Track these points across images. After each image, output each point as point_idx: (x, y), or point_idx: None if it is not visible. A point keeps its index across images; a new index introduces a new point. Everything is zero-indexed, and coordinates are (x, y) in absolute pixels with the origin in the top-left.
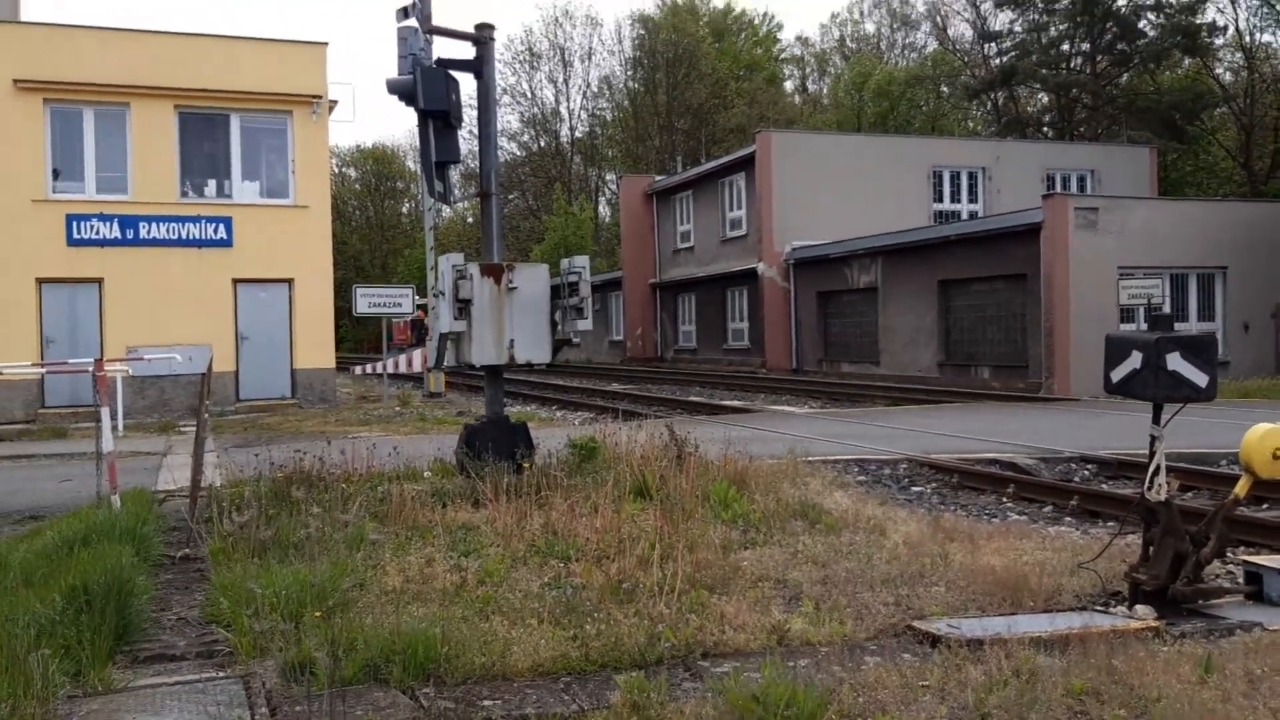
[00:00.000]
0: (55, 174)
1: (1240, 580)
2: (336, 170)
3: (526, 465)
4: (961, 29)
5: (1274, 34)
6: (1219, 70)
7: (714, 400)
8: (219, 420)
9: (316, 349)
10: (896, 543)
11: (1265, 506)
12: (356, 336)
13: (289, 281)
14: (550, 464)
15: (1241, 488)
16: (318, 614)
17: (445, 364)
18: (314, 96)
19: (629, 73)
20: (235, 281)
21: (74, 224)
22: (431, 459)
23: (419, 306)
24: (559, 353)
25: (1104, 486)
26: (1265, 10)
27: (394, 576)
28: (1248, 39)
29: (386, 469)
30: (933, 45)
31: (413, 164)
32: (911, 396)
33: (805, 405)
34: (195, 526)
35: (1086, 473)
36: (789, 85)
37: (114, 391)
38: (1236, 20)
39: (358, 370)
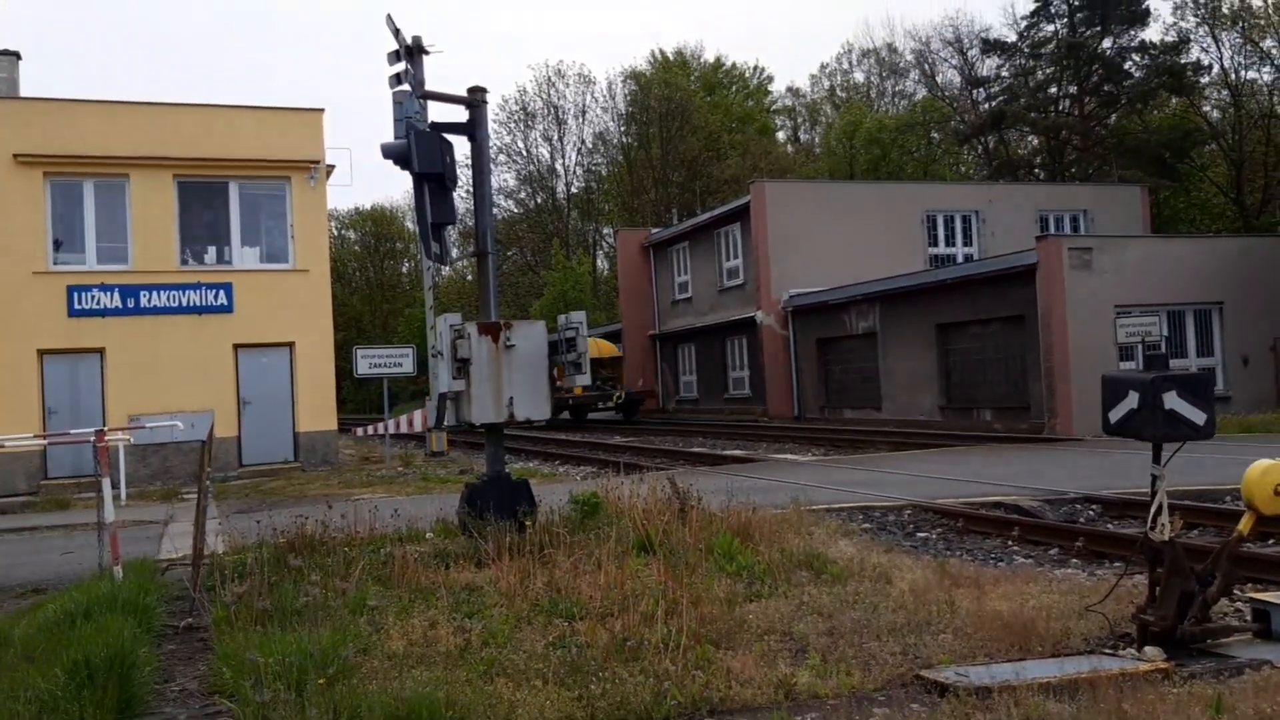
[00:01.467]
0: (56, 245)
1: (1248, 618)
2: (335, 233)
3: (529, 523)
4: (949, 75)
5: (1258, 71)
6: (1206, 108)
7: (716, 450)
8: (222, 486)
9: (318, 411)
10: (902, 590)
11: (1271, 542)
12: (358, 398)
13: (290, 345)
14: (553, 521)
15: (1245, 525)
16: (321, 682)
17: (445, 423)
18: (311, 162)
19: (623, 128)
20: (236, 347)
21: (75, 295)
22: (434, 519)
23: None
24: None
25: (1109, 527)
26: (1248, 48)
27: (397, 640)
28: (1233, 76)
29: (389, 531)
30: (922, 92)
31: (411, 224)
32: (914, 441)
33: (808, 453)
34: (198, 595)
35: (1091, 513)
36: (781, 135)
37: (116, 460)
38: (1221, 59)
39: (360, 432)
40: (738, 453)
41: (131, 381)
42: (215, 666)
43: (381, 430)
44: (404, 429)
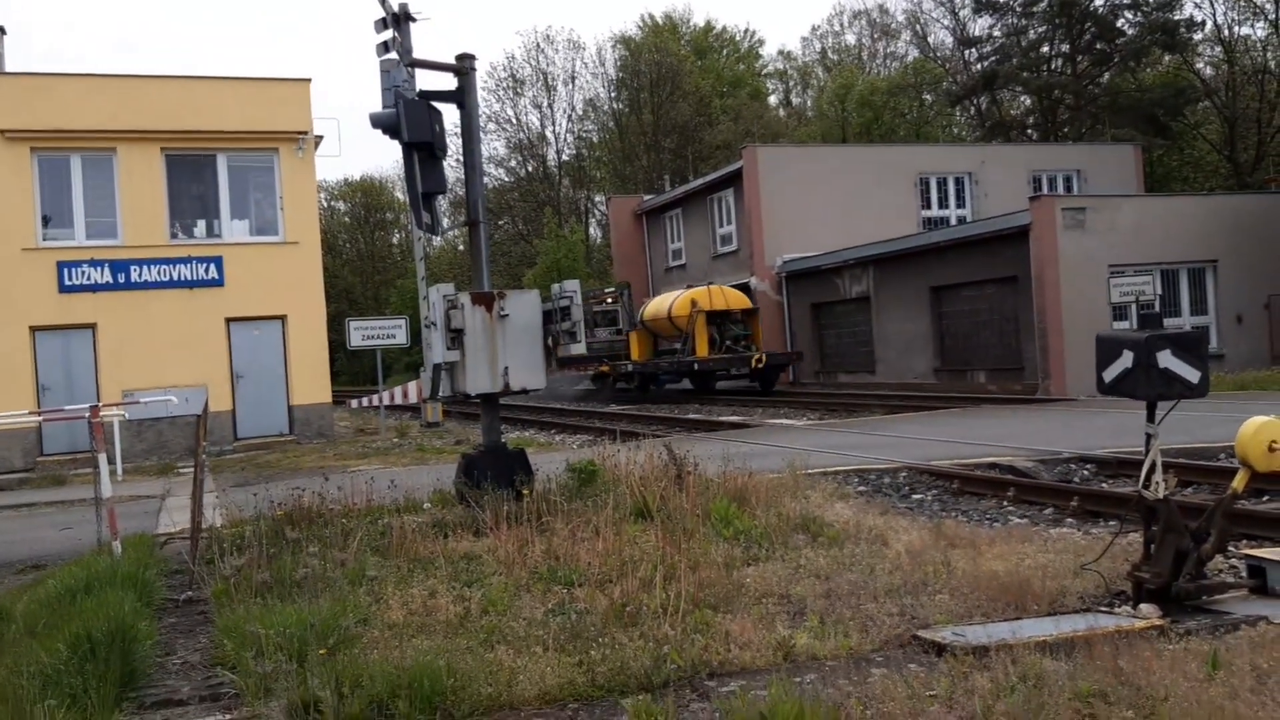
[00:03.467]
0: (45, 221)
1: (1244, 574)
2: (325, 204)
3: (526, 492)
4: (941, 36)
5: (1252, 27)
6: (1199, 65)
7: (712, 417)
8: (217, 460)
9: (312, 384)
10: (899, 552)
11: (1266, 499)
12: (352, 370)
13: (282, 318)
14: (550, 489)
15: (1239, 482)
16: (322, 652)
17: (440, 394)
18: (299, 133)
19: (613, 94)
20: (228, 320)
21: (65, 270)
22: (431, 490)
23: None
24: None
25: (1104, 486)
26: (1242, 3)
27: (397, 610)
28: (1226, 33)
29: (386, 502)
30: (913, 54)
31: (401, 194)
32: (909, 404)
33: (803, 417)
34: (197, 569)
35: (1086, 473)
36: (773, 99)
37: (111, 436)
38: (1215, 14)
39: (354, 404)
40: (733, 418)
41: (124, 357)
42: (216, 639)
43: (376, 402)
44: (399, 400)
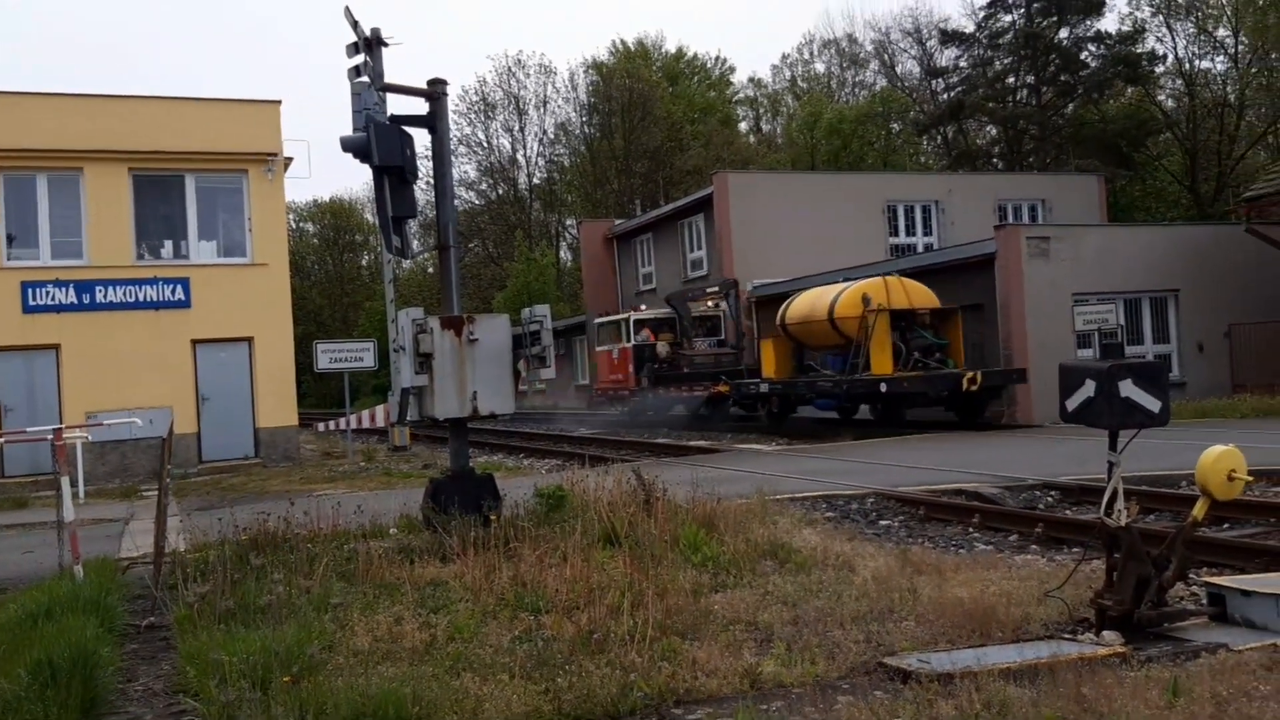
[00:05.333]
0: (9, 241)
1: (1204, 602)
2: (294, 226)
3: (494, 517)
4: (909, 66)
5: (1212, 61)
6: (1161, 97)
7: (681, 441)
8: (182, 483)
9: (279, 407)
10: (866, 578)
11: (1226, 526)
12: (319, 392)
13: (249, 340)
14: (518, 515)
15: (1199, 510)
16: (286, 679)
17: (408, 418)
18: (269, 154)
19: (585, 119)
20: (194, 342)
21: (29, 291)
22: (398, 515)
23: (640, 322)
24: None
25: (1068, 513)
26: (1202, 38)
27: (362, 637)
28: (1187, 66)
29: (352, 527)
30: (882, 83)
31: (371, 217)
32: (877, 429)
33: (772, 442)
34: (160, 594)
35: (1050, 499)
36: (743, 126)
37: (74, 458)
38: (1176, 48)
39: (321, 427)
40: (703, 443)
41: (88, 378)
42: (179, 665)
43: (343, 425)
44: (366, 424)
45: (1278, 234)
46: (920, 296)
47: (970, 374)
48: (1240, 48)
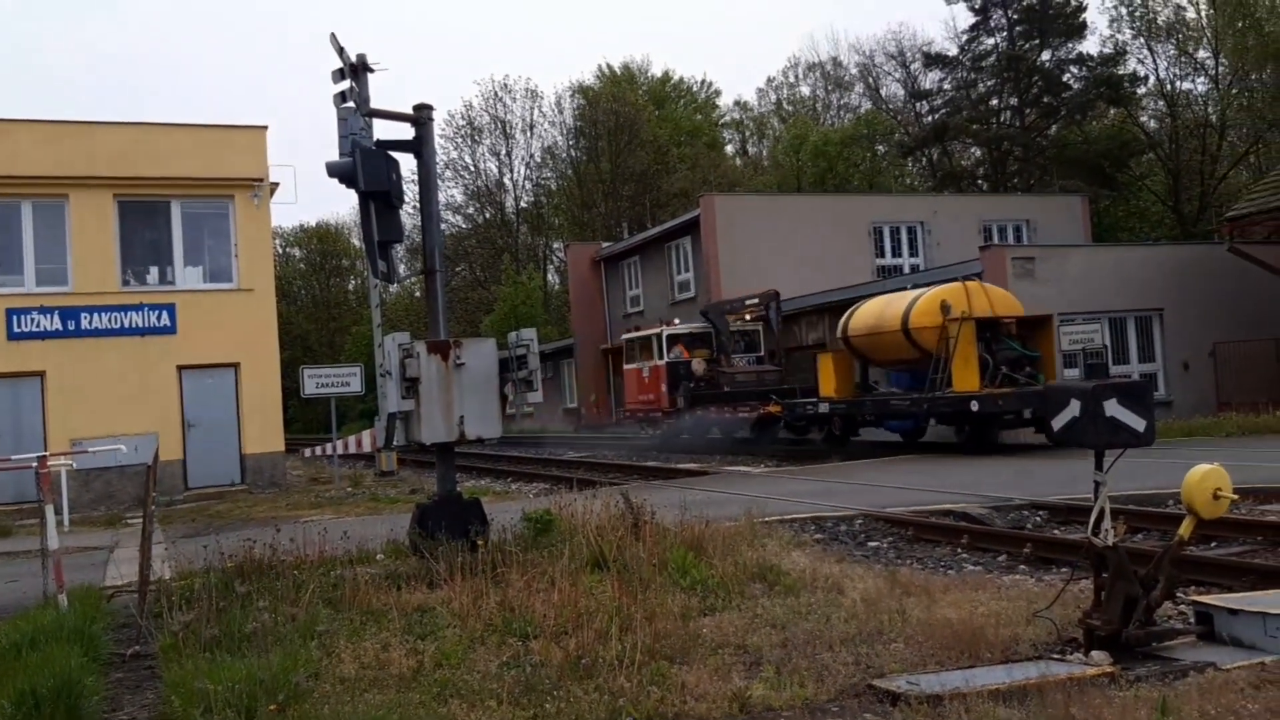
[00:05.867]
0: None
1: (1192, 621)
2: (280, 251)
3: (481, 542)
4: (893, 89)
5: (1193, 82)
6: (1143, 118)
7: (670, 464)
8: (167, 510)
9: (265, 433)
10: (855, 600)
11: (1213, 545)
12: (306, 417)
13: (235, 366)
14: (506, 539)
15: (1186, 529)
16: (271, 708)
17: (395, 443)
18: (255, 180)
19: (571, 142)
20: (180, 368)
21: (14, 318)
22: (385, 540)
23: (674, 338)
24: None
25: (1056, 533)
26: (1183, 59)
27: (349, 664)
28: (1168, 87)
29: (339, 553)
30: (866, 105)
31: (357, 241)
32: (865, 450)
33: (761, 464)
34: (144, 623)
35: (1038, 519)
36: (729, 149)
37: (58, 486)
38: (1157, 70)
39: (307, 452)
40: (691, 466)
41: (73, 405)
42: (164, 694)
43: (330, 451)
44: (353, 449)
45: (1260, 253)
46: (1004, 303)
47: None
48: (1221, 69)
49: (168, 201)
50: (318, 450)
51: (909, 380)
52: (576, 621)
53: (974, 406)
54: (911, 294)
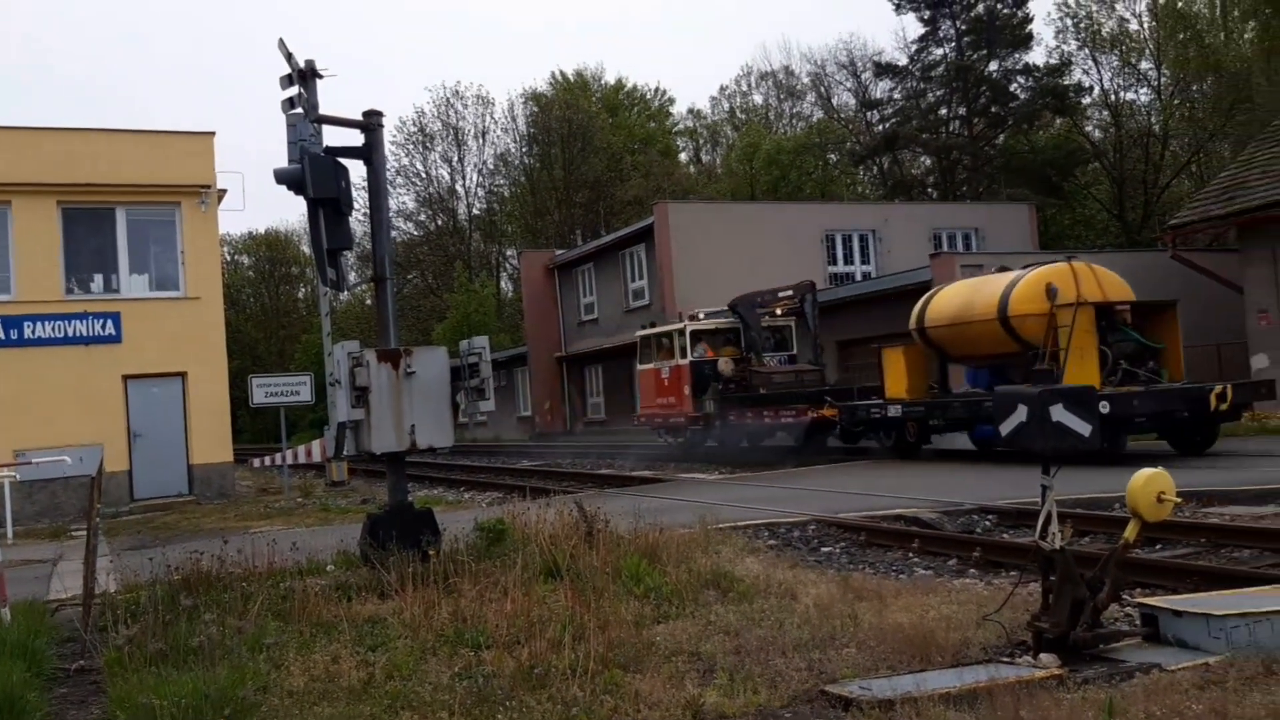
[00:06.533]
0: None
1: (1137, 622)
2: (228, 258)
3: (433, 552)
4: (845, 98)
5: (1136, 92)
6: (1088, 128)
7: (624, 472)
8: (113, 522)
9: (213, 443)
10: (807, 606)
11: (1159, 547)
12: (255, 427)
13: (182, 375)
14: (458, 549)
15: (1131, 532)
16: None
17: (345, 453)
18: (202, 186)
19: (524, 149)
20: (126, 378)
21: None
22: (335, 551)
23: (698, 334)
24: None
25: (1005, 537)
26: (1127, 70)
27: (298, 677)
28: (1113, 97)
29: (288, 565)
30: (818, 114)
31: (307, 248)
32: (818, 456)
33: (715, 471)
34: (89, 637)
35: (988, 523)
36: (683, 157)
37: (2, 498)
38: (1101, 80)
39: (256, 462)
40: (646, 473)
41: (16, 416)
42: (109, 710)
43: (279, 460)
44: (303, 459)
45: (1202, 260)
46: (1115, 287)
47: (1219, 388)
48: (1163, 80)
49: (113, 208)
50: (267, 460)
51: (988, 379)
52: (529, 631)
53: (1104, 408)
54: (1006, 277)
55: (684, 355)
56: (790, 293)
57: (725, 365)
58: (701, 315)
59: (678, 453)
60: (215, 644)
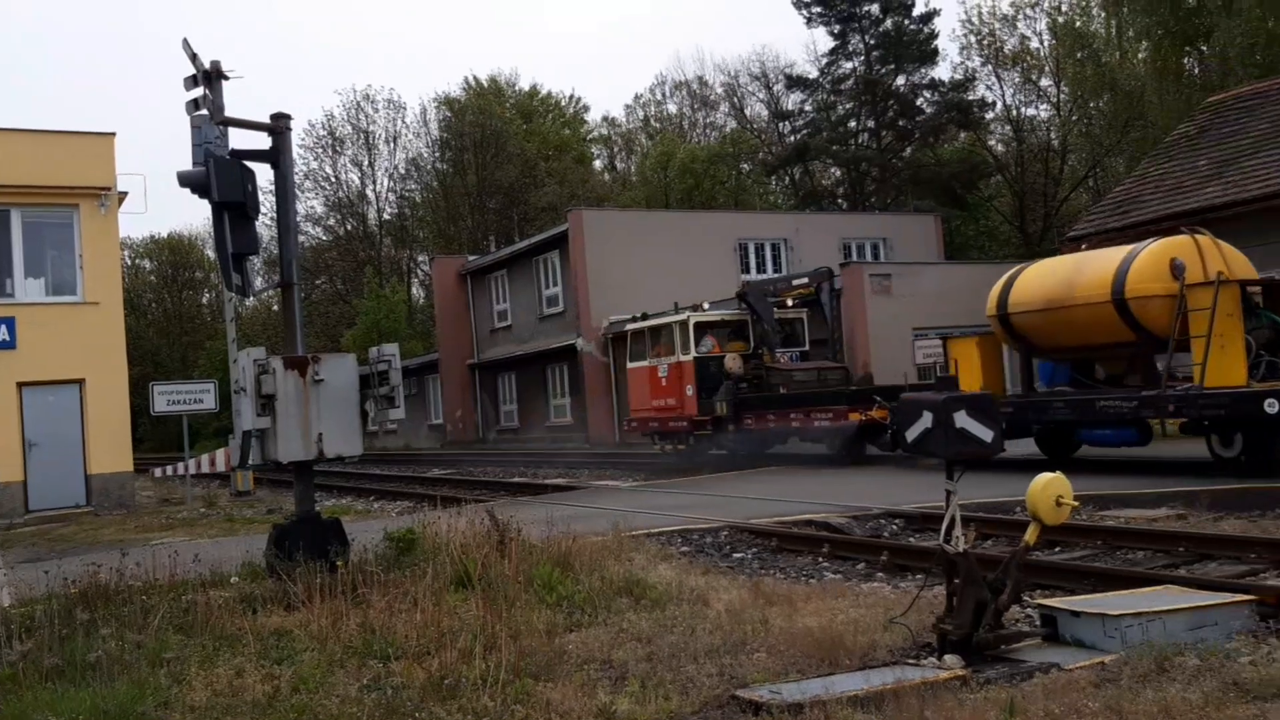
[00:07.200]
0: None
1: (1038, 623)
2: (129, 263)
3: (341, 563)
4: (757, 109)
5: (1037, 108)
6: (991, 142)
7: (538, 479)
8: (6, 534)
9: (112, 452)
10: (719, 612)
11: (1057, 550)
12: (157, 436)
13: (80, 382)
14: (367, 559)
15: (1031, 535)
16: None
17: (251, 462)
18: (102, 188)
19: (437, 154)
20: (20, 385)
21: None
22: (240, 562)
23: (703, 326)
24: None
25: (911, 540)
26: (1028, 87)
27: (201, 692)
28: (1015, 113)
29: (191, 576)
30: (731, 124)
31: (211, 253)
32: (733, 463)
33: (629, 479)
34: None
35: (895, 527)
36: (598, 164)
37: None
38: (1004, 96)
39: (158, 472)
40: (560, 481)
41: None
42: None
43: (182, 470)
44: (206, 468)
45: None
46: (1240, 264)
47: None
48: (1062, 96)
49: (7, 210)
50: (169, 470)
51: (1067, 375)
52: (440, 641)
53: (1270, 408)
54: (1115, 252)
55: (686, 351)
56: (805, 280)
57: (734, 362)
58: (706, 305)
59: (680, 462)
60: (114, 659)
